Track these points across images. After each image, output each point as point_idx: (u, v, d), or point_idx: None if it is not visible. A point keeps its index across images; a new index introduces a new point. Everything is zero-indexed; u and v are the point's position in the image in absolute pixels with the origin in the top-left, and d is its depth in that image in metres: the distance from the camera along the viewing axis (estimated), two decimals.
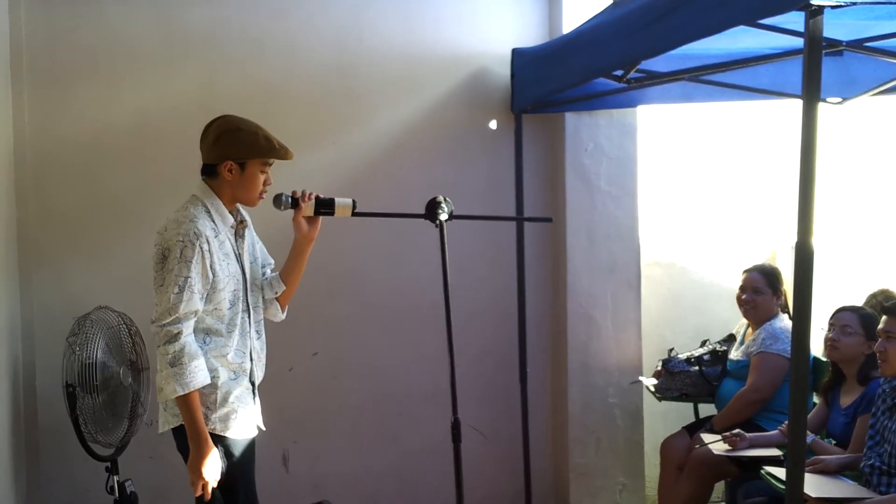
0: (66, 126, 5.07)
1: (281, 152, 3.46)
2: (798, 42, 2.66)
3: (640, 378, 5.32)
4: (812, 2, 2.51)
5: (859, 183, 5.91)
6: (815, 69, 2.61)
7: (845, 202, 5.83)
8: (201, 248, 3.32)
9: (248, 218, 3.67)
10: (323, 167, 5.17)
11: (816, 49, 2.62)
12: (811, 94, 2.63)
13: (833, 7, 2.55)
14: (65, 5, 5.04)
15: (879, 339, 3.83)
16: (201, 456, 3.36)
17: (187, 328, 3.34)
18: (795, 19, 2.67)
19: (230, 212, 3.51)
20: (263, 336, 3.72)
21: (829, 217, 5.63)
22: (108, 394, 4.38)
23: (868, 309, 4.31)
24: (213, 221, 3.43)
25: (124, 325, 4.52)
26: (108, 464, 4.51)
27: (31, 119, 5.00)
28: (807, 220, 2.67)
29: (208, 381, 3.38)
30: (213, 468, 3.38)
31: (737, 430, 4.48)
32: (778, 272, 4.96)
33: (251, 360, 3.60)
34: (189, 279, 3.30)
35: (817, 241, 2.71)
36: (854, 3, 2.57)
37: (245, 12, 5.21)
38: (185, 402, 3.33)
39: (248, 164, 3.43)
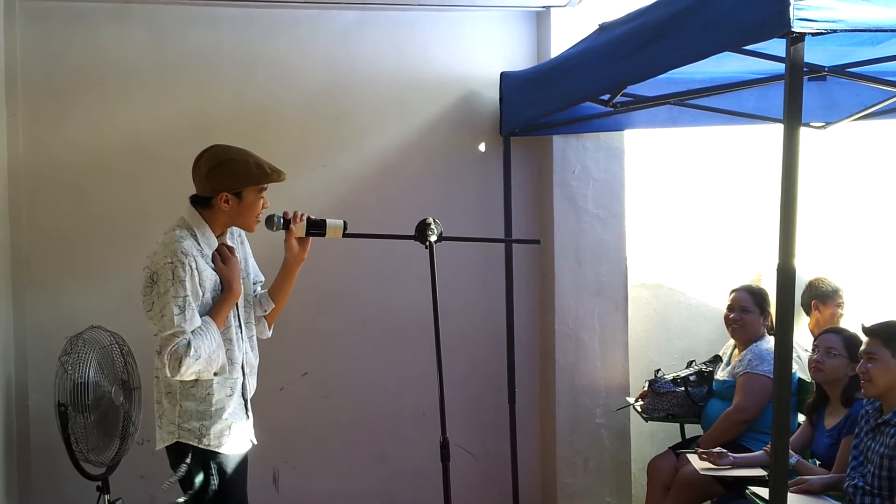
0: (60, 146, 5.11)
1: (273, 176, 3.49)
2: (782, 67, 2.71)
3: (628, 399, 5.35)
4: (793, 29, 2.56)
5: (847, 204, 5.97)
6: (797, 95, 2.66)
7: (833, 224, 5.90)
8: (190, 266, 3.35)
9: (242, 233, 3.70)
10: (314, 189, 5.22)
11: (797, 75, 2.67)
12: (792, 118, 2.68)
13: (814, 34, 2.60)
14: (59, 25, 5.09)
15: (861, 361, 3.87)
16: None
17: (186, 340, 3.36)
18: (778, 45, 2.71)
19: (218, 235, 3.54)
20: (256, 350, 3.76)
21: (821, 239, 5.73)
22: (100, 413, 4.39)
23: (850, 331, 4.35)
24: (199, 244, 3.46)
25: (116, 345, 4.53)
26: (100, 483, 4.50)
27: (24, 139, 5.04)
28: (789, 243, 2.71)
29: (210, 324, 3.42)
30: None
31: (717, 448, 4.50)
32: (765, 293, 5.02)
33: (244, 373, 3.63)
34: (187, 297, 3.34)
35: (803, 264, 2.74)
36: (835, 31, 2.61)
37: (237, 35, 5.26)
38: (216, 318, 3.45)
39: (244, 192, 3.46)
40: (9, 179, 4.96)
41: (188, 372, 3.35)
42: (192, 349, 3.32)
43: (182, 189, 3.57)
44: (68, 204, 5.14)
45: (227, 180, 3.44)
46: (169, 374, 3.37)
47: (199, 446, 3.49)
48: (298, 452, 5.39)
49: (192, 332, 3.35)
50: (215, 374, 3.46)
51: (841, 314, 5.47)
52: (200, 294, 3.40)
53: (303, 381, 5.39)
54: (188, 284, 3.34)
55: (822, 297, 5.50)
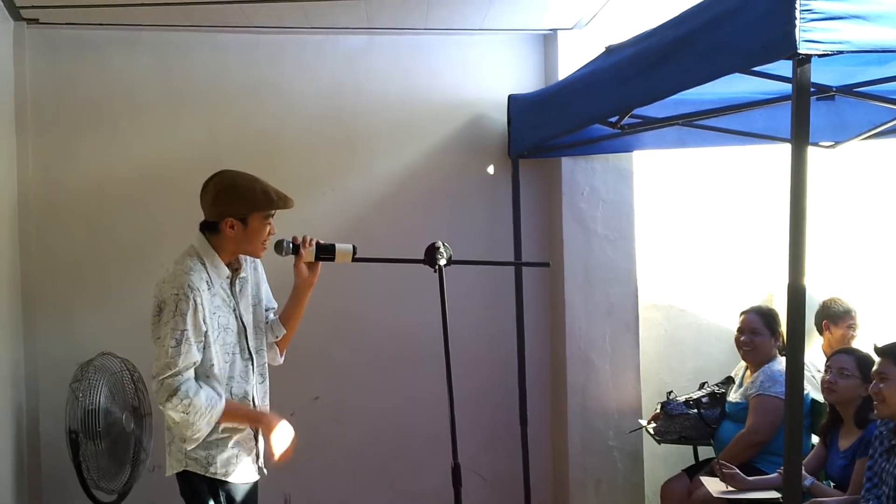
0: (70, 174, 5.14)
1: (280, 203, 3.48)
2: (790, 87, 2.71)
3: (640, 421, 5.32)
4: (800, 51, 2.56)
5: (860, 223, 5.96)
6: (804, 115, 2.66)
7: (848, 243, 5.89)
8: (195, 300, 3.34)
9: (255, 260, 3.70)
10: (323, 213, 5.23)
11: (804, 96, 2.67)
12: (800, 139, 2.67)
13: (820, 56, 2.60)
14: (69, 55, 5.14)
15: (874, 381, 3.85)
16: (266, 431, 3.49)
17: (187, 378, 3.35)
18: (786, 66, 2.71)
19: (228, 262, 3.54)
20: (267, 380, 3.74)
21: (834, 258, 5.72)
22: (111, 440, 4.40)
23: (863, 351, 4.33)
24: (209, 273, 3.45)
25: (127, 371, 4.54)
26: None
27: (34, 168, 5.07)
28: (798, 262, 2.70)
29: (222, 401, 3.42)
30: (279, 437, 3.50)
31: (729, 466, 4.47)
32: (776, 314, 5.00)
33: (254, 403, 3.62)
34: (185, 332, 3.32)
35: (816, 284, 2.74)
36: (841, 52, 2.61)
37: (244, 62, 5.30)
38: (224, 420, 3.45)
39: (250, 218, 3.46)
40: (19, 207, 4.98)
41: (173, 411, 3.34)
42: (188, 399, 3.32)
43: (191, 215, 3.57)
44: (77, 231, 5.16)
45: (232, 206, 3.44)
46: (157, 400, 3.39)
47: (206, 475, 3.48)
48: (309, 478, 5.37)
49: (204, 391, 3.37)
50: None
51: (853, 335, 5.44)
52: (204, 328, 3.39)
53: (314, 405, 5.38)
54: (189, 319, 3.33)
55: (833, 318, 5.47)
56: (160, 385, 3.33)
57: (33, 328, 5.06)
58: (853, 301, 5.54)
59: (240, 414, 3.51)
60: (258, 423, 3.55)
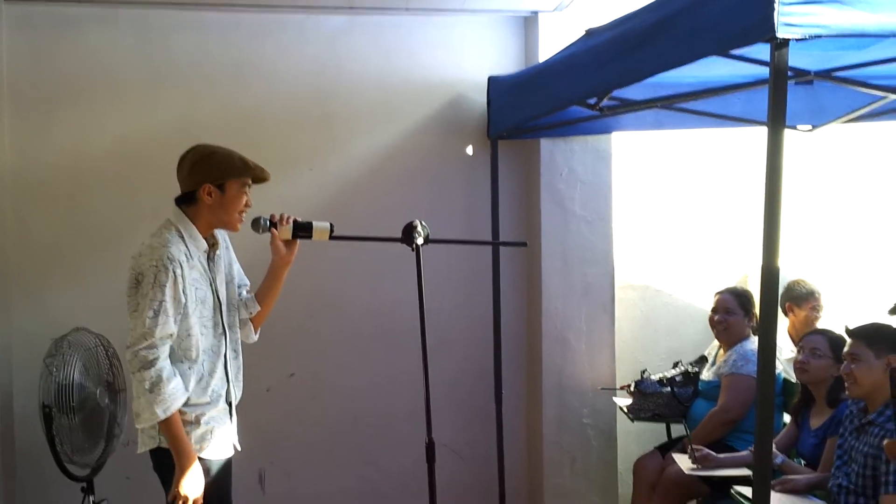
0: (46, 151, 5.10)
1: (258, 171, 3.51)
2: (768, 71, 2.73)
3: (616, 390, 5.36)
4: (778, 34, 2.58)
5: (835, 206, 6.01)
6: (781, 99, 2.68)
7: (820, 225, 5.94)
8: (174, 272, 3.34)
9: (226, 238, 3.71)
10: (301, 192, 5.22)
11: (782, 80, 2.69)
12: (776, 123, 2.70)
13: (798, 40, 2.62)
14: (46, 31, 5.08)
15: (845, 362, 3.90)
16: (182, 470, 3.39)
17: (163, 353, 3.35)
18: (764, 49, 2.73)
19: (205, 237, 3.54)
20: (240, 356, 3.74)
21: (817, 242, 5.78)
22: (85, 414, 4.38)
23: (836, 332, 4.37)
24: (187, 246, 3.46)
25: (102, 347, 4.53)
26: (85, 484, 4.51)
27: (11, 144, 5.03)
28: (772, 244, 2.73)
29: (184, 399, 3.41)
30: (193, 484, 3.40)
31: (700, 448, 4.53)
32: (749, 294, 5.05)
33: (227, 380, 3.63)
34: (163, 303, 3.33)
35: (788, 265, 2.77)
36: (819, 37, 2.63)
37: (224, 40, 5.26)
38: (166, 424, 3.37)
39: (227, 185, 3.47)
40: None
41: (145, 382, 3.32)
42: (161, 380, 3.31)
43: (169, 193, 3.57)
44: (54, 209, 5.13)
45: (209, 172, 3.45)
46: (129, 368, 3.39)
47: None
48: (285, 453, 5.39)
49: (175, 381, 3.36)
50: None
51: (817, 317, 5.49)
52: (183, 300, 3.39)
53: (290, 382, 5.39)
54: (168, 290, 3.33)
55: (796, 300, 5.52)
56: (134, 355, 3.33)
57: (8, 304, 5.03)
58: (817, 283, 5.59)
59: (175, 431, 3.40)
60: (180, 455, 3.41)
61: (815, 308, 5.50)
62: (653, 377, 5.23)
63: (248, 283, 3.87)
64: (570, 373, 5.39)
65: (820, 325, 5.33)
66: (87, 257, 5.15)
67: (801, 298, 5.52)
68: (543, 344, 5.39)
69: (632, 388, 5.24)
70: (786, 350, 5.36)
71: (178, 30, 5.22)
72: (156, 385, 3.31)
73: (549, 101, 4.53)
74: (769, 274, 2.74)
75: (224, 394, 3.62)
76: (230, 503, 3.69)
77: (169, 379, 3.34)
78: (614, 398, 5.39)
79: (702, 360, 5.28)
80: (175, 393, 3.36)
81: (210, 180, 3.45)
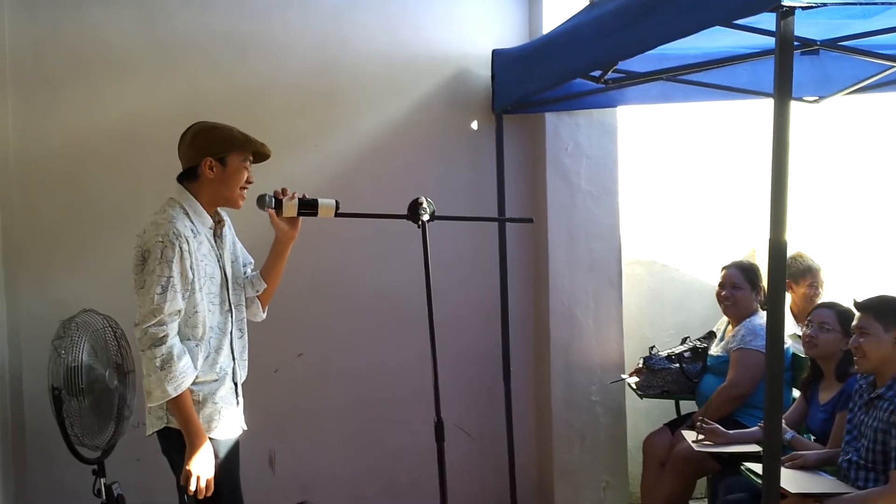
0: (50, 131, 5.08)
1: (258, 144, 3.51)
2: (774, 41, 2.69)
3: (623, 376, 5.35)
4: (783, 3, 2.54)
5: (842, 180, 5.97)
6: (787, 69, 2.66)
7: (828, 198, 5.89)
8: (181, 247, 3.33)
9: (226, 218, 3.69)
10: (306, 169, 5.21)
11: (788, 49, 2.66)
12: (783, 93, 2.67)
13: (804, 8, 2.59)
14: (49, 10, 5.05)
15: (854, 336, 3.88)
16: (193, 449, 3.39)
17: (172, 330, 3.34)
18: (769, 19, 2.70)
19: (209, 214, 3.54)
20: (245, 335, 3.74)
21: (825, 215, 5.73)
22: (94, 396, 4.39)
23: (844, 306, 4.35)
24: (192, 222, 3.45)
25: (110, 328, 4.52)
26: (95, 466, 4.51)
27: (14, 125, 5.01)
28: (779, 218, 2.71)
29: (194, 376, 3.40)
30: (204, 463, 3.40)
31: (711, 424, 4.53)
32: (757, 268, 5.02)
33: (233, 359, 3.62)
34: (171, 279, 3.31)
35: (794, 239, 2.74)
36: (825, 4, 2.60)
37: (228, 17, 5.23)
38: (176, 402, 3.37)
39: (229, 159, 3.46)
40: None
41: (156, 360, 3.31)
42: (173, 351, 3.31)
43: (173, 172, 3.55)
44: (59, 189, 5.11)
45: (211, 146, 3.45)
46: (138, 346, 3.37)
47: None
48: (294, 434, 5.39)
49: (186, 359, 3.35)
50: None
51: (818, 293, 5.41)
52: (191, 276, 3.38)
53: (298, 362, 5.39)
54: (176, 266, 3.32)
55: (794, 276, 5.43)
56: (143, 333, 3.32)
57: (15, 286, 5.03)
58: (819, 258, 5.52)
59: (186, 410, 3.40)
60: (191, 434, 3.40)
61: (814, 285, 5.42)
62: (661, 353, 5.22)
63: (252, 261, 3.87)
64: (578, 349, 5.38)
65: (825, 299, 5.28)
66: (93, 237, 5.13)
67: (799, 274, 5.44)
68: (551, 320, 5.37)
69: (640, 365, 5.23)
70: (789, 326, 5.31)
71: (182, 6, 5.19)
72: (166, 362, 3.31)
73: (553, 74, 4.50)
74: (777, 247, 2.73)
75: (230, 371, 3.61)
76: (238, 483, 3.67)
77: (179, 356, 3.33)
78: (622, 375, 5.36)
79: (710, 336, 5.27)
80: (186, 370, 3.35)
81: (211, 153, 3.44)
